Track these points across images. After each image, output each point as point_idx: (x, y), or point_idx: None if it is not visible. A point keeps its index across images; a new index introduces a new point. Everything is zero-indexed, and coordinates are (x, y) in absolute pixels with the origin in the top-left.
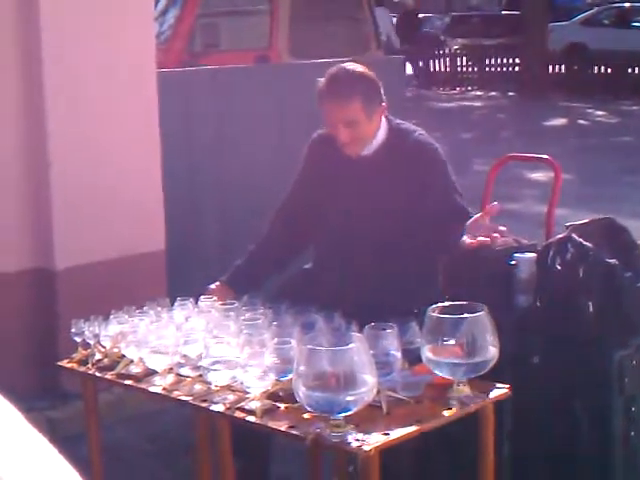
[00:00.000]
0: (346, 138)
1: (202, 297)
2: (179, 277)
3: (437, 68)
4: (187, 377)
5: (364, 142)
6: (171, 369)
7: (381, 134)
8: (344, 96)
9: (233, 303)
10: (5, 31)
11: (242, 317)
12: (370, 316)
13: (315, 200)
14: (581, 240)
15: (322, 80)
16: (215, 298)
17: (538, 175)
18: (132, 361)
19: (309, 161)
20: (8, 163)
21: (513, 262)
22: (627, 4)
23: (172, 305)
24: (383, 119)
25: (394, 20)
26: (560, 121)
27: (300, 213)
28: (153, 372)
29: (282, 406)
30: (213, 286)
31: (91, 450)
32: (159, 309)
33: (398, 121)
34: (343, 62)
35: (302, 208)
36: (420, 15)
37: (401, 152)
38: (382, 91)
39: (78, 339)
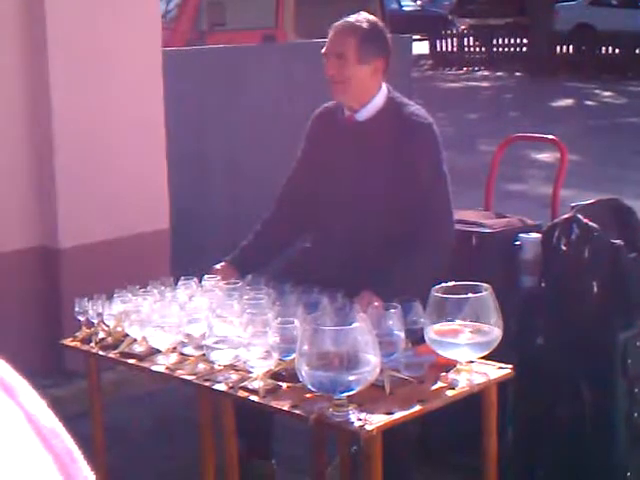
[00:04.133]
0: (332, 72)
1: (206, 276)
2: (183, 256)
3: (444, 48)
4: (190, 356)
5: (349, 91)
6: (174, 348)
7: (378, 101)
8: (344, 28)
9: (237, 282)
10: (9, 17)
11: (245, 296)
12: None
13: (316, 173)
14: (586, 221)
15: None
16: (219, 277)
17: (544, 155)
18: (135, 340)
19: (311, 134)
20: (14, 143)
21: (518, 243)
22: None
23: (176, 284)
24: (384, 87)
25: None
26: (567, 101)
27: (304, 190)
28: (156, 351)
29: (285, 385)
30: (218, 266)
31: (94, 428)
32: (163, 288)
33: (398, 94)
34: None
35: (305, 184)
36: None
37: (395, 122)
38: (388, 50)
39: (82, 318)
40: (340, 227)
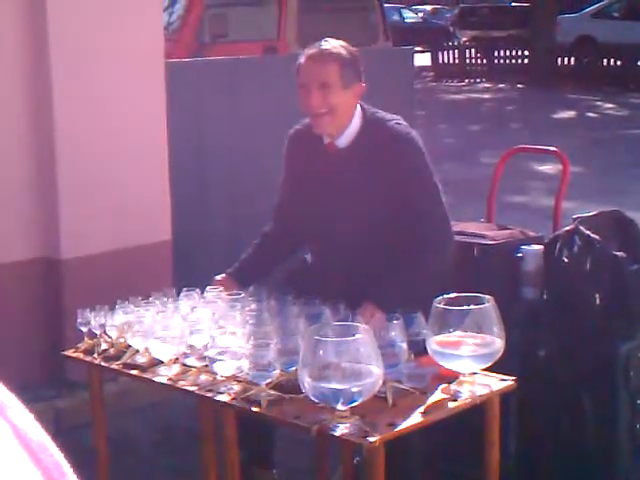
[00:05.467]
0: (318, 102)
1: (208, 288)
2: (185, 267)
3: (446, 60)
4: (193, 367)
5: (336, 120)
6: (177, 359)
7: (355, 123)
8: (323, 56)
9: (239, 294)
10: (11, 30)
11: (248, 308)
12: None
13: (301, 195)
14: (588, 232)
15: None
16: (221, 289)
17: (546, 167)
18: (138, 351)
19: (288, 158)
20: (16, 155)
21: (520, 254)
22: None
23: (178, 295)
24: (358, 107)
25: None
26: (569, 114)
27: (292, 208)
28: (159, 362)
29: (287, 397)
30: (219, 277)
31: (97, 440)
32: (165, 299)
33: (373, 110)
34: None
35: (293, 203)
36: (429, 7)
37: (376, 142)
38: (362, 71)
39: (84, 329)
40: (339, 243)
